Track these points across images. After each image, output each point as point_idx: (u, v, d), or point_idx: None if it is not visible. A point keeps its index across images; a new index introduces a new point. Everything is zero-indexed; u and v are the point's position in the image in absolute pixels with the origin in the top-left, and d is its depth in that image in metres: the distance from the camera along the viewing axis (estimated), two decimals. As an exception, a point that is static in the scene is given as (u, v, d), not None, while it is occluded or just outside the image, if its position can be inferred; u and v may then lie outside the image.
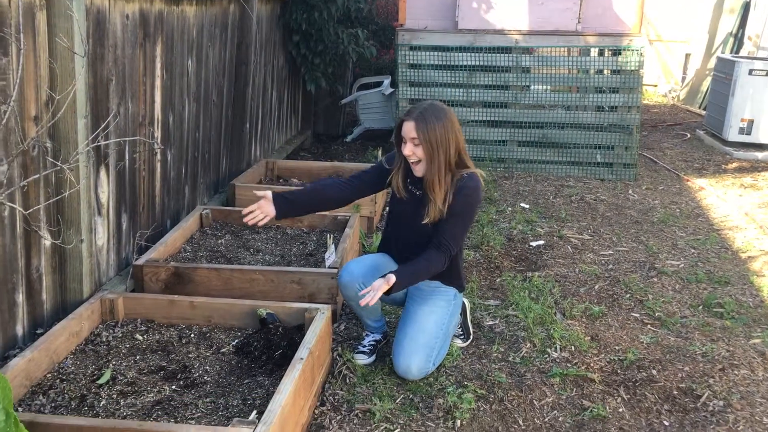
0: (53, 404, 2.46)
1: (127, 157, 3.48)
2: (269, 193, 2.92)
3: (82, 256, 3.03)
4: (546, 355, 3.17)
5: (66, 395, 2.51)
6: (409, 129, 2.82)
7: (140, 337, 2.96)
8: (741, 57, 8.26)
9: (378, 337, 3.17)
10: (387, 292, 2.76)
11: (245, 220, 2.90)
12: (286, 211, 2.96)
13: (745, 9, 10.24)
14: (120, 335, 2.96)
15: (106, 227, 3.33)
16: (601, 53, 6.85)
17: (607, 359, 3.14)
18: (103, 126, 3.09)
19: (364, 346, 3.11)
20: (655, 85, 12.29)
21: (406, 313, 3.06)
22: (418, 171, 2.89)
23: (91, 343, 2.89)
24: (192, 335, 3.01)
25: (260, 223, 2.90)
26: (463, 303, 3.30)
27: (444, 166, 2.84)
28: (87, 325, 2.94)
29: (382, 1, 9.07)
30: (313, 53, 6.58)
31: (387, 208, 3.33)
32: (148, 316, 3.09)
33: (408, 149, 2.84)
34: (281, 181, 5.51)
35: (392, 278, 2.73)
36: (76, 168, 2.89)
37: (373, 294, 2.70)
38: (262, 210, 2.90)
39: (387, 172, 3.03)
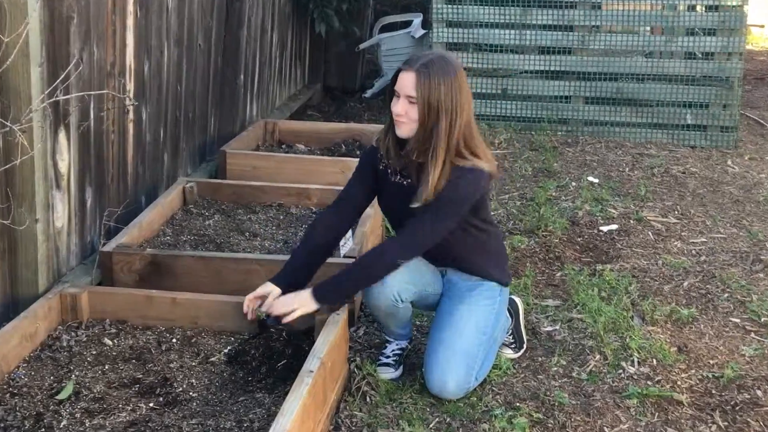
0: (2, 425, 2.49)
1: (92, 115, 3.50)
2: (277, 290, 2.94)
3: (36, 239, 3.06)
4: (620, 371, 3.16)
5: (18, 413, 2.54)
6: (406, 82, 2.76)
7: (109, 342, 2.99)
8: None
9: (404, 344, 3.17)
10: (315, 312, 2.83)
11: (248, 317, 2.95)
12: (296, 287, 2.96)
13: None
14: (84, 339, 2.99)
15: (66, 204, 3.35)
16: (693, -16, 6.75)
17: (699, 376, 3.13)
18: (62, 77, 3.09)
19: (388, 357, 3.12)
20: (762, 26, 12.07)
21: (439, 314, 3.06)
22: (403, 131, 2.81)
23: (49, 348, 2.92)
24: (174, 340, 3.03)
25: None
26: (515, 302, 3.29)
27: (444, 139, 2.75)
28: (43, 326, 2.97)
29: None
30: (324, -16, 6.57)
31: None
32: (119, 316, 3.12)
33: (400, 106, 2.77)
34: (283, 146, 5.51)
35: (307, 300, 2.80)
36: (30, 129, 2.90)
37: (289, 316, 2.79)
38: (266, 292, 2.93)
39: (378, 152, 3.00)
